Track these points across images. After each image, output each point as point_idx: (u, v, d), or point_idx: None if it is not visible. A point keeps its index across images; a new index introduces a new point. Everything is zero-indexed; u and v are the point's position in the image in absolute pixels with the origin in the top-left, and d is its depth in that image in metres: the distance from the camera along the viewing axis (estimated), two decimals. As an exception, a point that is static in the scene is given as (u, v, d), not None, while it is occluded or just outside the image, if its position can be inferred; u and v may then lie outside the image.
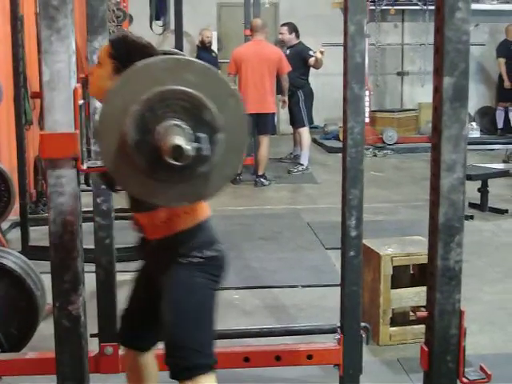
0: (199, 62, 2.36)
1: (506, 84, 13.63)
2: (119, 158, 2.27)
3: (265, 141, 9.79)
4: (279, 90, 10.11)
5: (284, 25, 11.14)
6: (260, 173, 9.77)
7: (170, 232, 2.83)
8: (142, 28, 10.77)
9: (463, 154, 2.18)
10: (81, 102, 2.10)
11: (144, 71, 2.28)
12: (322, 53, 10.43)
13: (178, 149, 2.11)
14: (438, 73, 2.18)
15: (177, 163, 2.14)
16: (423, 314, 2.37)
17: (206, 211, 2.90)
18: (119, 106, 2.24)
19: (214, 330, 2.90)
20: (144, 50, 2.74)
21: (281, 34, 10.98)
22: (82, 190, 3.93)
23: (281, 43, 10.94)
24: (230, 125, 2.29)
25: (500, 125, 14.10)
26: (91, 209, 3.72)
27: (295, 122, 10.95)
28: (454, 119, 2.16)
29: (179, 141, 2.12)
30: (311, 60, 10.55)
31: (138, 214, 2.92)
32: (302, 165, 10.68)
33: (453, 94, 2.16)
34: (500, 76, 14.07)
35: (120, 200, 8.00)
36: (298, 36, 10.93)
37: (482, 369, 2.37)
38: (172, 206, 2.61)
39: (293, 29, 10.94)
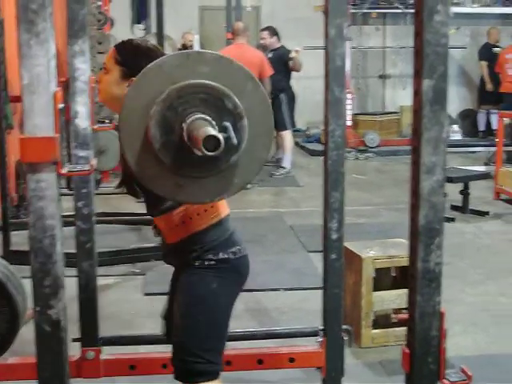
0: (210, 52, 2.35)
1: (488, 87, 13.71)
2: (144, 159, 2.28)
3: (247, 144, 9.77)
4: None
5: (264, 29, 11.17)
6: (242, 176, 9.75)
7: (184, 235, 2.83)
8: (124, 32, 10.77)
9: (443, 156, 2.18)
10: (61, 105, 2.09)
11: (157, 71, 2.28)
12: (297, 52, 10.48)
13: (212, 139, 2.09)
14: (418, 76, 2.19)
15: (213, 154, 2.12)
16: (404, 316, 2.38)
17: (221, 211, 2.88)
18: (138, 110, 2.26)
19: (224, 337, 2.89)
20: (149, 54, 2.75)
21: (262, 38, 11.00)
22: (64, 194, 3.93)
23: (263, 47, 10.96)
24: (252, 109, 2.29)
25: (481, 127, 14.17)
26: (73, 213, 3.71)
27: (277, 125, 10.94)
28: (434, 122, 2.17)
29: (210, 131, 2.12)
30: (290, 63, 10.58)
31: (155, 219, 2.92)
32: (284, 168, 10.70)
33: (432, 96, 2.17)
34: (482, 79, 14.14)
35: (101, 204, 7.97)
36: (279, 39, 10.96)
37: (463, 370, 2.37)
38: (206, 201, 2.60)
39: (273, 32, 10.97)
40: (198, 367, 2.79)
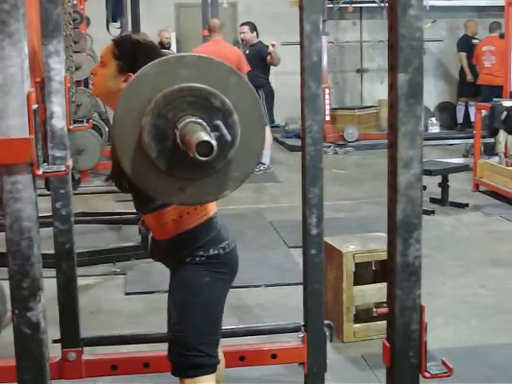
0: (189, 54, 2.36)
1: (469, 77, 13.74)
2: (142, 169, 2.30)
3: (226, 141, 9.77)
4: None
5: (244, 24, 11.16)
6: (222, 173, 9.74)
7: (175, 232, 2.85)
8: (99, 30, 10.73)
9: (420, 150, 2.18)
10: (35, 106, 2.07)
11: (141, 82, 2.29)
12: (273, 45, 10.49)
13: (204, 144, 2.10)
14: (393, 70, 2.19)
15: (206, 159, 2.13)
16: (384, 310, 2.38)
17: (210, 209, 2.90)
18: (130, 122, 2.27)
19: (219, 330, 2.93)
20: (148, 50, 2.79)
21: (242, 33, 11.00)
22: (42, 195, 3.91)
23: (243, 43, 10.96)
24: (239, 102, 2.29)
25: (460, 120, 14.22)
26: (51, 213, 3.69)
27: (256, 121, 10.95)
28: (410, 115, 2.17)
29: (203, 136, 2.12)
30: (268, 57, 10.59)
31: (144, 216, 2.93)
32: (263, 164, 10.69)
33: (408, 90, 2.17)
34: (461, 71, 14.18)
35: (80, 204, 7.93)
36: (257, 35, 10.97)
37: (443, 363, 2.38)
38: (210, 200, 2.61)
39: (253, 28, 10.98)
40: (197, 360, 2.81)
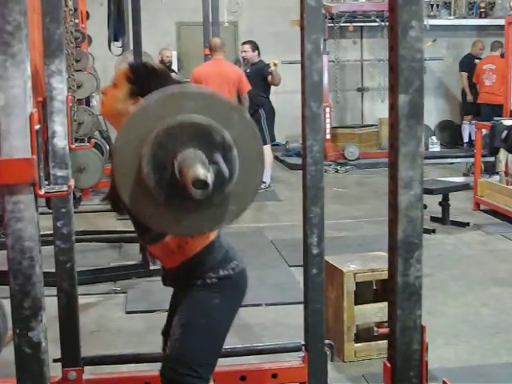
0: (193, 88, 2.39)
1: (469, 98, 13.76)
2: (139, 197, 2.31)
3: (227, 159, 9.78)
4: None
5: (246, 43, 11.19)
6: (223, 192, 9.74)
7: (183, 259, 2.87)
8: (101, 49, 10.78)
9: (420, 170, 2.19)
10: (37, 126, 2.08)
11: (145, 111, 2.31)
12: (275, 64, 10.52)
13: (200, 181, 2.12)
14: (393, 90, 2.20)
15: (202, 195, 2.15)
16: (385, 330, 2.38)
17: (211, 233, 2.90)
18: (130, 150, 2.28)
19: (217, 355, 2.94)
20: (162, 78, 2.83)
21: (244, 51, 11.02)
22: (44, 213, 3.91)
23: (244, 61, 10.99)
24: (240, 138, 2.30)
25: (466, 139, 14.22)
26: (52, 232, 3.69)
27: (257, 139, 10.97)
28: (411, 136, 2.18)
29: (199, 173, 2.13)
30: (269, 77, 10.62)
31: (149, 246, 2.95)
32: (264, 182, 10.70)
33: (408, 111, 2.18)
34: (464, 90, 14.19)
35: (81, 222, 7.92)
36: (259, 54, 11.00)
37: (444, 383, 2.38)
38: (205, 232, 2.63)
39: (255, 46, 11.01)
40: (189, 380, 2.80)
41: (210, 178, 2.14)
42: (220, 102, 2.33)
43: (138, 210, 2.36)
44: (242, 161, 2.30)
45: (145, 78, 2.85)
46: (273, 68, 10.57)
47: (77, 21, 9.50)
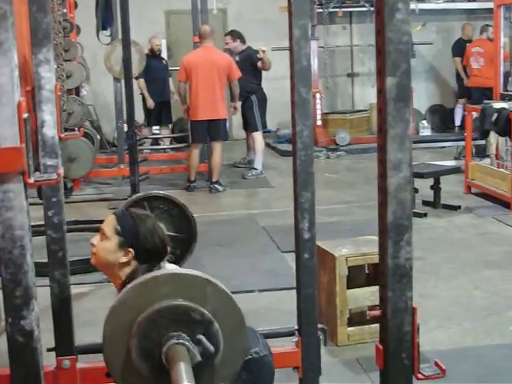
0: (164, 273, 2.44)
1: (466, 82, 13.70)
2: (125, 371, 2.35)
3: (218, 147, 9.81)
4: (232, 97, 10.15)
5: (227, 34, 11.21)
6: (214, 179, 9.77)
7: None
8: (90, 38, 10.75)
9: (408, 152, 2.20)
10: (25, 115, 2.08)
11: (122, 306, 2.34)
12: (263, 51, 10.53)
13: None
14: (381, 74, 2.21)
15: None
16: (376, 313, 2.39)
17: None
18: (117, 338, 2.33)
19: None
20: (149, 226, 2.97)
21: (226, 43, 11.02)
22: (35, 204, 3.91)
23: (228, 52, 10.98)
24: (218, 309, 2.34)
25: (458, 122, 14.21)
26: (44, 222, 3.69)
27: (248, 126, 10.99)
28: (399, 119, 2.19)
29: (184, 379, 2.15)
30: (259, 63, 10.62)
31: None
32: (256, 169, 10.71)
33: (396, 94, 2.19)
34: (458, 74, 14.16)
35: (73, 212, 7.91)
36: (243, 41, 10.98)
37: (436, 364, 2.39)
38: None
39: (236, 36, 10.99)
40: None
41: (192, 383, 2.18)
42: (192, 279, 2.36)
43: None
44: (225, 329, 2.34)
45: (132, 229, 2.94)
46: (262, 55, 10.58)
47: (65, 10, 9.47)
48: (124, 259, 2.96)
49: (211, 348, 2.30)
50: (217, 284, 2.40)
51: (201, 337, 2.29)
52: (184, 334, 2.27)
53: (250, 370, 2.97)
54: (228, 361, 2.40)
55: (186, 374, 2.19)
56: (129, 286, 2.40)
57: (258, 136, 10.84)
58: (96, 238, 3.06)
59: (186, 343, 2.26)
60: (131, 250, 2.94)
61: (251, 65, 10.67)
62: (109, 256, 2.97)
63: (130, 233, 2.95)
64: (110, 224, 3.00)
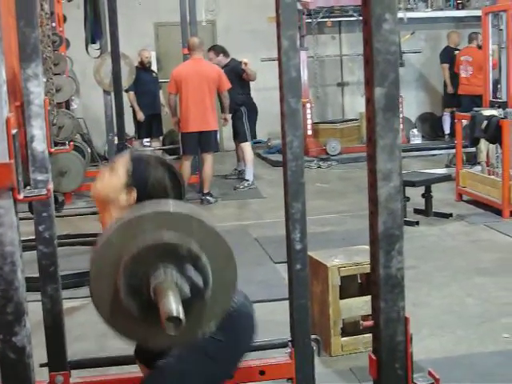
0: (148, 211, 2.38)
1: (449, 89, 13.77)
2: (113, 310, 2.35)
3: (209, 158, 9.81)
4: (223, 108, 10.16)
5: (209, 50, 11.16)
6: (205, 191, 9.77)
7: None
8: (79, 52, 10.75)
9: (398, 162, 2.20)
10: (14, 131, 2.08)
11: (108, 246, 2.34)
12: (245, 64, 10.56)
13: (173, 318, 2.14)
14: (369, 84, 2.21)
15: (176, 330, 2.17)
16: (369, 323, 2.39)
17: None
18: (104, 284, 2.33)
19: None
20: (157, 169, 2.88)
21: (209, 59, 11.01)
22: (26, 218, 3.90)
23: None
24: (205, 243, 2.33)
25: (447, 130, 14.24)
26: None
27: (238, 136, 11.00)
28: (388, 129, 2.19)
29: (172, 308, 2.15)
30: (244, 75, 10.66)
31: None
32: (247, 180, 10.72)
33: (385, 104, 2.19)
34: (445, 82, 14.21)
35: (64, 226, 7.87)
36: (227, 55, 10.95)
37: (430, 373, 2.39)
38: (183, 341, 2.61)
39: (219, 50, 10.98)
40: None
41: (182, 313, 2.16)
42: (176, 214, 2.34)
43: (121, 331, 2.43)
44: (213, 263, 2.33)
45: (143, 172, 2.85)
46: (244, 67, 10.61)
47: (54, 24, 9.47)
48: (125, 201, 2.83)
49: (200, 283, 2.28)
50: (202, 219, 2.37)
51: (189, 272, 2.27)
52: (173, 270, 2.25)
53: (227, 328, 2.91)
54: (218, 296, 2.38)
55: (174, 304, 2.17)
56: (113, 224, 2.37)
57: (247, 147, 10.84)
58: (106, 170, 2.95)
59: (175, 277, 2.24)
60: (134, 189, 2.81)
61: (237, 76, 10.68)
62: (111, 192, 2.85)
63: (140, 176, 2.84)
64: (122, 162, 2.90)
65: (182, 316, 2.15)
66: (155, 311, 2.22)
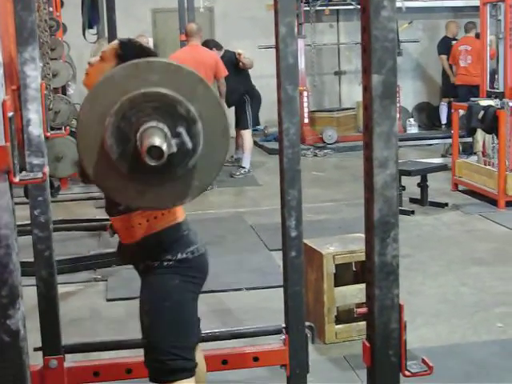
0: (158, 60, 2.37)
1: (453, 79, 13.69)
2: (103, 169, 2.31)
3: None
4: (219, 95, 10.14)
5: (202, 45, 11.11)
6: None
7: (141, 236, 2.86)
8: (76, 37, 10.71)
9: (395, 150, 2.20)
10: (10, 114, 2.07)
11: (109, 83, 2.30)
12: (239, 55, 10.55)
13: (153, 149, 2.12)
14: (367, 71, 2.21)
15: (155, 163, 2.14)
16: (363, 310, 2.39)
17: (179, 214, 2.91)
18: (94, 122, 2.28)
19: (192, 333, 2.95)
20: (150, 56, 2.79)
21: None
22: (21, 203, 3.89)
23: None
24: (205, 112, 2.30)
25: (443, 120, 14.22)
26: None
27: (239, 123, 10.98)
28: (385, 116, 2.19)
29: (154, 141, 2.13)
30: (240, 64, 10.64)
31: (113, 218, 2.94)
32: (244, 168, 10.71)
33: (382, 91, 2.19)
34: (443, 72, 14.17)
35: (60, 211, 7.89)
36: (219, 48, 10.85)
37: (424, 361, 2.39)
38: (168, 207, 2.62)
39: (212, 45, 10.89)
40: (172, 365, 2.81)
41: (165, 146, 2.14)
42: (185, 74, 2.32)
43: (101, 182, 2.38)
44: (207, 135, 2.30)
45: (133, 55, 2.79)
46: (239, 58, 10.59)
47: (51, 9, 9.43)
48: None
49: (189, 143, 2.27)
50: (209, 87, 2.36)
51: (181, 130, 2.25)
52: (164, 124, 2.23)
53: (197, 266, 2.94)
54: (203, 169, 2.37)
55: (158, 138, 2.16)
56: (119, 65, 2.34)
57: (247, 134, 10.83)
58: (95, 59, 2.96)
59: (165, 129, 2.23)
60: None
61: (234, 66, 10.65)
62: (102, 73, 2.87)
63: (130, 58, 2.80)
64: (112, 48, 2.90)
65: (164, 148, 2.14)
66: (139, 164, 2.22)
